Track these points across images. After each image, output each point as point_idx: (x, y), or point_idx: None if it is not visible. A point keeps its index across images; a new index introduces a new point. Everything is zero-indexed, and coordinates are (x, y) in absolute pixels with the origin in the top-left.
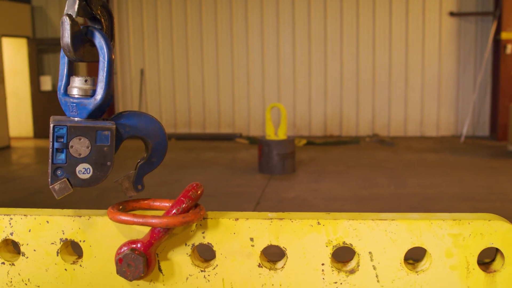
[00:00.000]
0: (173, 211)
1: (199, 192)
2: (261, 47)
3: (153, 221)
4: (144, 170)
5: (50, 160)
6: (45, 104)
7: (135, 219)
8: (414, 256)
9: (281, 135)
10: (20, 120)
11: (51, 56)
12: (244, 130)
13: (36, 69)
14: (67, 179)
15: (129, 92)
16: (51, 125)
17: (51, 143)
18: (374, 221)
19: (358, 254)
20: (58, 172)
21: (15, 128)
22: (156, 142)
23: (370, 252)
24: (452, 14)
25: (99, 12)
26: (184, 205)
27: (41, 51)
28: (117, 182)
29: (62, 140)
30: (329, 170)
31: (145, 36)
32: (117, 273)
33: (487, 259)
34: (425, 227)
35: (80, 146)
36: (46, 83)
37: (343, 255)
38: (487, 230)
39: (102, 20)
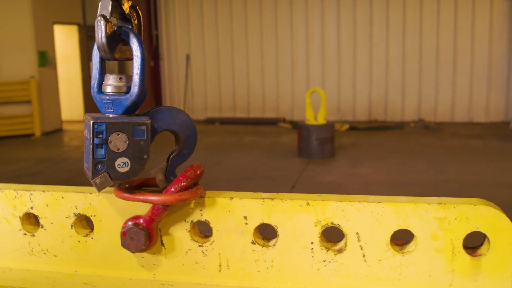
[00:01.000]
0: (171, 189)
1: (198, 172)
2: (305, 31)
3: (152, 198)
4: (176, 162)
5: (90, 156)
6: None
7: (136, 196)
8: (402, 239)
9: (321, 120)
10: (72, 104)
11: None
12: (288, 114)
13: (87, 55)
14: (107, 172)
15: (176, 77)
16: (91, 122)
17: (91, 139)
18: (361, 203)
19: (345, 234)
20: (99, 166)
21: (66, 112)
22: (187, 135)
23: (357, 233)
24: None
25: (129, 12)
26: (182, 184)
27: (91, 38)
28: (151, 174)
29: (102, 136)
30: (369, 155)
31: (191, 21)
32: (122, 245)
33: (477, 244)
34: (411, 210)
35: (118, 141)
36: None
37: (333, 235)
38: (472, 214)
39: (132, 19)
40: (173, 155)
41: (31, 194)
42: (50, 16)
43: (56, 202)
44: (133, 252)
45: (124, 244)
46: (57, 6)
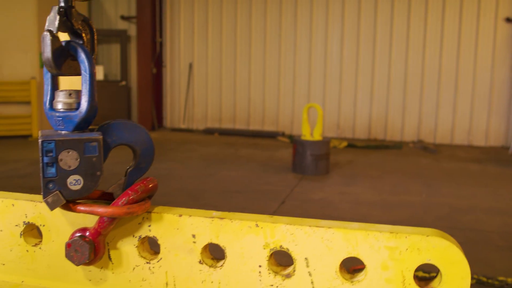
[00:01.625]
0: (119, 202)
1: (150, 186)
2: (308, 45)
3: (99, 210)
4: (134, 176)
5: (41, 174)
6: (97, 93)
7: (82, 208)
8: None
9: (317, 136)
10: None
11: (105, 46)
12: (288, 128)
13: None
14: (59, 191)
15: (177, 85)
16: (39, 141)
17: (40, 157)
18: (311, 227)
19: (294, 259)
20: (50, 185)
21: None
22: (143, 148)
23: (306, 258)
24: (508, 20)
25: (80, 26)
26: (130, 197)
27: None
28: (108, 190)
29: (51, 154)
30: (364, 174)
31: (195, 31)
32: (66, 256)
33: (431, 274)
34: (361, 238)
35: (69, 158)
36: (98, 73)
37: (284, 260)
38: (424, 245)
39: (83, 34)
40: (130, 169)
41: None
42: None
43: (6, 209)
44: (77, 265)
45: (68, 256)
46: None
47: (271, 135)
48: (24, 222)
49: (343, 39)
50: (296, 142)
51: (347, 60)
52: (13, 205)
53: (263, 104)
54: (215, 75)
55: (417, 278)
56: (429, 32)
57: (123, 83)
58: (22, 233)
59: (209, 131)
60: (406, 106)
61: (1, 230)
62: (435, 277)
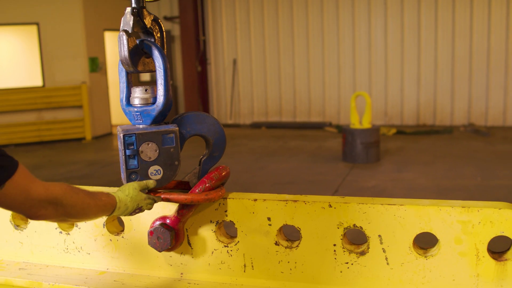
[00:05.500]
0: (196, 190)
1: (223, 173)
2: (352, 34)
3: (180, 197)
4: (208, 164)
5: (123, 167)
6: None
7: (163, 196)
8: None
9: (366, 124)
10: (121, 108)
11: None
12: (334, 118)
13: None
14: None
15: (222, 81)
16: (121, 135)
17: (122, 151)
18: (383, 205)
19: (368, 236)
20: (133, 176)
21: (117, 116)
22: (216, 138)
23: (379, 236)
24: None
25: (151, 25)
26: (206, 185)
27: None
28: (185, 179)
29: (133, 147)
30: (415, 160)
31: (238, 27)
32: (149, 244)
33: (504, 248)
34: (433, 213)
35: (149, 150)
36: (144, 74)
37: (357, 238)
38: (497, 218)
39: (154, 32)
40: (204, 158)
41: None
42: (101, 23)
43: None
44: (159, 251)
45: (151, 243)
46: (107, 13)
47: (318, 126)
48: None
49: (387, 25)
50: (345, 131)
51: (391, 47)
52: None
53: (308, 96)
54: (259, 70)
55: (490, 251)
56: (476, 14)
57: (170, 82)
58: (105, 223)
59: (256, 125)
60: (454, 89)
61: (85, 222)
62: (508, 249)
